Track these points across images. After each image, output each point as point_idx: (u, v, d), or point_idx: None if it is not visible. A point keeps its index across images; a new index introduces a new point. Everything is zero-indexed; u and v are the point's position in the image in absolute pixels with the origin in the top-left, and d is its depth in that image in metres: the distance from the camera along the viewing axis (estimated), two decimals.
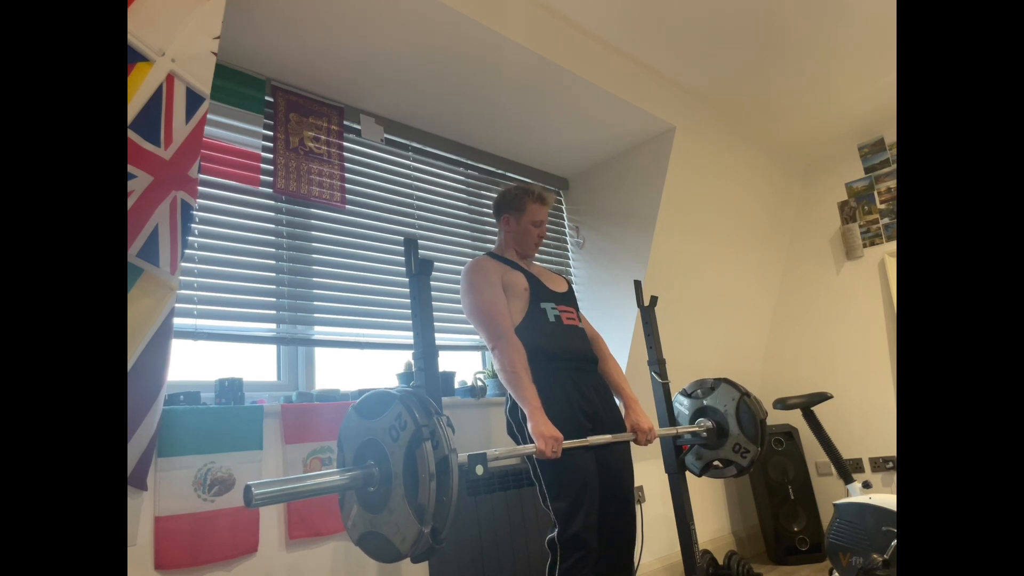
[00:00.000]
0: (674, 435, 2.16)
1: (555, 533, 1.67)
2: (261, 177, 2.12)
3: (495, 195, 2.09)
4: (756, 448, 2.11)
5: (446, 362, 2.63)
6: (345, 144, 2.38)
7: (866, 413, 3.42)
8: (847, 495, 2.46)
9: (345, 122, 2.41)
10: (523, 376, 1.68)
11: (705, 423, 2.23)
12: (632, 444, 1.86)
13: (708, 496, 3.39)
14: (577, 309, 2.00)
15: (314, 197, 2.22)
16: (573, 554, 1.62)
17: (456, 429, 2.32)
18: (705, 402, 2.26)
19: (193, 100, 1.53)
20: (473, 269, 1.88)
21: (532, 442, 1.69)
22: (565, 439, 1.62)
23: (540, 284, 1.93)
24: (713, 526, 3.34)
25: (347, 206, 2.34)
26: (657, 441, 2.43)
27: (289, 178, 2.18)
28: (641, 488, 2.95)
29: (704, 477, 2.50)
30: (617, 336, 2.96)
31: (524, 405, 1.64)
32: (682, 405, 2.33)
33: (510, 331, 1.76)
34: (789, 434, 3.33)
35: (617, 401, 1.95)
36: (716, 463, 2.22)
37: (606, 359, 1.98)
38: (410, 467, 1.16)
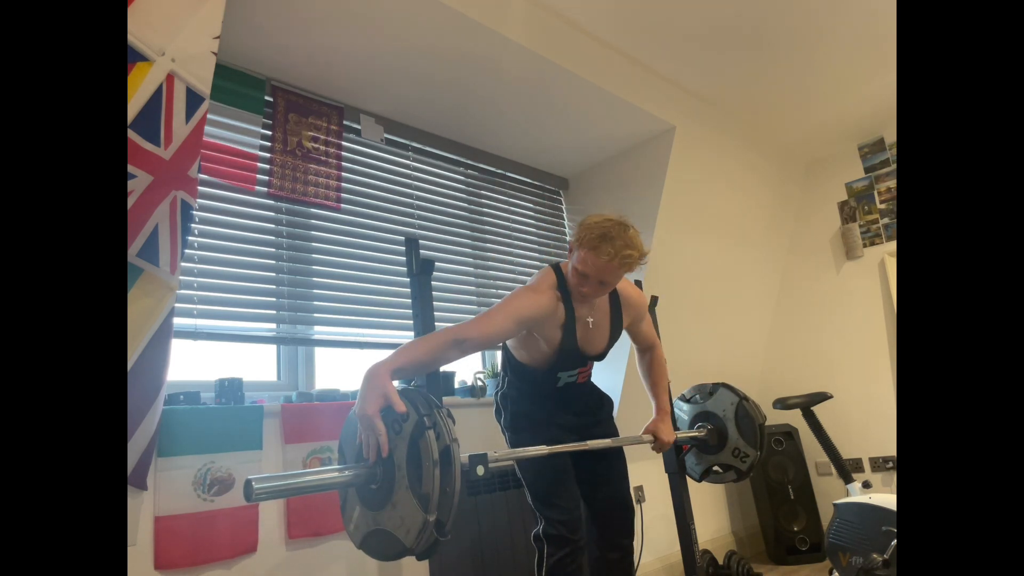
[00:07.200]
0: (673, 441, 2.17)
1: (540, 528, 1.67)
2: (257, 176, 2.11)
3: (491, 198, 2.02)
4: (755, 452, 2.10)
5: None
6: (345, 144, 2.38)
7: (866, 413, 3.42)
8: (847, 495, 2.46)
9: (345, 122, 2.41)
10: (420, 345, 1.38)
11: (704, 427, 2.23)
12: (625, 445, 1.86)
13: (708, 496, 3.39)
14: (605, 354, 1.80)
15: (309, 197, 2.22)
16: (558, 550, 1.62)
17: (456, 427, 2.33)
18: (704, 407, 2.26)
19: (193, 100, 1.53)
20: (532, 292, 1.61)
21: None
22: (552, 443, 1.63)
23: (574, 351, 1.69)
24: (713, 526, 3.34)
25: (347, 206, 2.34)
26: None
27: (284, 180, 2.17)
28: (641, 488, 2.95)
29: None
30: None
31: (390, 359, 1.31)
32: (681, 411, 2.33)
33: (467, 349, 1.43)
34: (789, 434, 3.33)
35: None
36: (716, 468, 2.22)
37: (656, 362, 1.95)
38: (414, 458, 1.17)
